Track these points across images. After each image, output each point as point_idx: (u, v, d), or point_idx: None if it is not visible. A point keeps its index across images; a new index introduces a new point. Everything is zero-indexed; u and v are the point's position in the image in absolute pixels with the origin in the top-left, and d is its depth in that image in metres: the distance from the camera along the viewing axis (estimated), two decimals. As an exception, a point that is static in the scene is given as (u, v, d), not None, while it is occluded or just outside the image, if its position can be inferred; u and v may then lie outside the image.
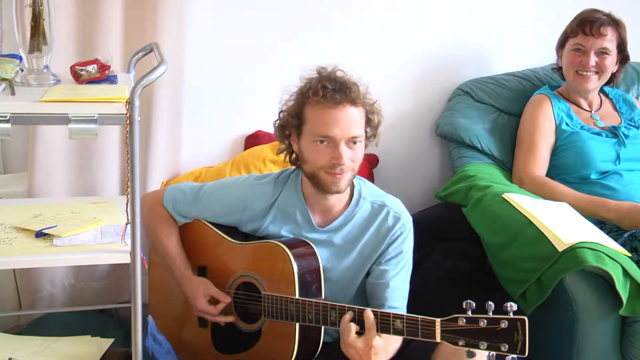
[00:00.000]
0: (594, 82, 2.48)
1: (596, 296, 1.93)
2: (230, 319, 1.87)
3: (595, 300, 1.93)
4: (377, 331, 1.61)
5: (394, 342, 1.67)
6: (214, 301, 1.87)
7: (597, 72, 2.46)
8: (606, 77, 2.49)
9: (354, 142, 1.76)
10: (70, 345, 1.86)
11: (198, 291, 1.88)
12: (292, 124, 1.80)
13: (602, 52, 2.44)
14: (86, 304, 2.37)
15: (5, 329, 2.25)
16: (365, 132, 1.81)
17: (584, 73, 2.46)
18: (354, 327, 1.63)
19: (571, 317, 1.92)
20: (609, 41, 2.43)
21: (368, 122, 1.81)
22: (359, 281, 1.88)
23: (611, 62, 2.46)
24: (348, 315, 1.65)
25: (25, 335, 2.02)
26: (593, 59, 2.44)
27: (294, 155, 1.87)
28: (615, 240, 2.07)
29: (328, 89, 1.74)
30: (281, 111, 1.86)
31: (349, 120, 1.75)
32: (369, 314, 1.62)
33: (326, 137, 1.74)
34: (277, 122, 1.87)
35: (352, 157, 1.76)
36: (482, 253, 2.23)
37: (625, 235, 2.21)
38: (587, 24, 2.44)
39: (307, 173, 1.81)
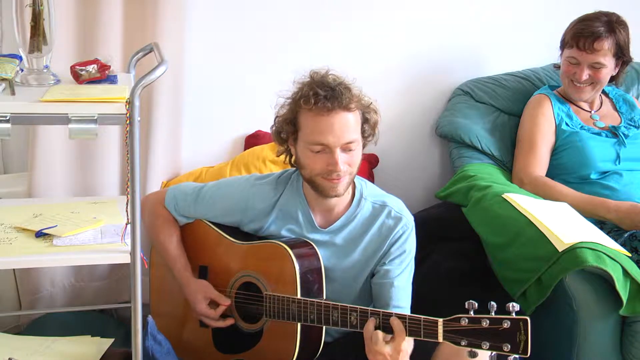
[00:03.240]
0: (588, 93, 2.48)
1: (596, 296, 1.93)
2: (229, 322, 1.87)
3: (595, 300, 1.93)
4: (407, 335, 1.60)
5: (410, 343, 1.65)
6: (214, 304, 1.87)
7: (591, 83, 2.45)
8: (602, 85, 2.48)
9: (350, 147, 1.75)
10: (70, 345, 1.86)
11: (198, 294, 1.87)
12: (287, 130, 1.80)
13: (596, 66, 2.42)
14: (86, 304, 2.37)
15: (5, 329, 2.25)
16: (363, 132, 1.80)
17: (577, 84, 2.46)
18: (381, 335, 1.61)
19: (571, 317, 1.92)
20: (603, 55, 2.39)
21: (365, 122, 1.80)
22: (361, 281, 1.88)
23: (607, 73, 2.43)
24: (372, 323, 1.63)
25: (25, 335, 2.02)
26: (586, 73, 2.42)
27: (293, 158, 1.86)
28: (615, 240, 2.07)
29: (320, 96, 1.72)
30: (276, 116, 1.84)
31: (343, 126, 1.73)
32: (396, 321, 1.60)
33: (320, 145, 1.73)
34: (273, 127, 1.86)
35: (348, 162, 1.76)
36: (482, 253, 2.23)
37: (625, 235, 2.21)
38: (580, 39, 2.40)
39: (305, 178, 1.82)
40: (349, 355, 1.82)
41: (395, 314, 1.61)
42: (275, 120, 1.85)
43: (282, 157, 1.86)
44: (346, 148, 1.75)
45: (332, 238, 1.86)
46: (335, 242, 1.86)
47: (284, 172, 1.94)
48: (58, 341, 1.88)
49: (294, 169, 1.93)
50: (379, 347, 1.60)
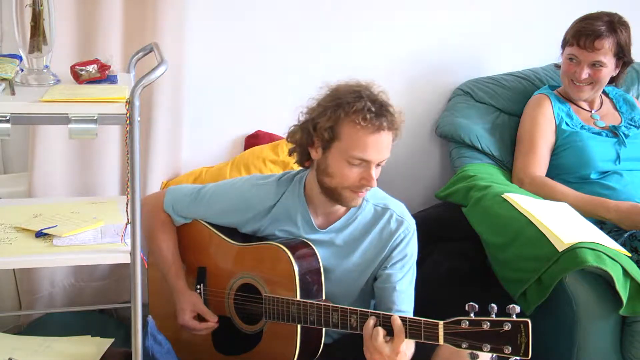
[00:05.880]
0: (587, 93, 2.48)
1: (596, 296, 1.93)
2: (209, 330, 1.88)
3: (595, 300, 1.93)
4: (407, 337, 1.60)
5: (410, 346, 1.66)
6: (201, 317, 1.88)
7: (591, 83, 2.45)
8: (602, 85, 2.48)
9: (382, 163, 1.75)
10: (70, 345, 1.86)
11: (186, 305, 1.88)
12: (322, 136, 1.74)
13: (596, 65, 2.42)
14: (86, 304, 2.37)
15: (5, 329, 2.25)
16: None
17: (577, 83, 2.46)
18: (381, 332, 1.61)
19: (571, 317, 1.92)
20: (604, 54, 2.40)
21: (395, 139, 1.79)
22: (361, 283, 1.87)
23: (607, 72, 2.44)
24: (372, 320, 1.63)
25: (25, 335, 2.01)
26: (586, 72, 2.42)
27: (303, 156, 1.82)
28: (615, 240, 2.07)
29: (372, 112, 1.69)
30: (311, 118, 1.77)
31: (385, 145, 1.73)
32: (397, 320, 1.60)
33: (362, 160, 1.72)
34: (302, 125, 1.79)
35: (377, 176, 1.75)
36: (482, 253, 2.23)
37: (625, 235, 2.21)
38: (582, 37, 2.40)
39: (327, 186, 1.77)
40: (348, 357, 1.82)
41: (394, 316, 1.61)
42: (307, 120, 1.78)
43: (283, 157, 1.84)
44: (379, 164, 1.75)
45: (332, 238, 1.86)
46: (335, 242, 1.86)
47: (285, 174, 1.93)
48: (58, 341, 1.88)
49: (295, 171, 1.92)
50: (378, 344, 1.60)
